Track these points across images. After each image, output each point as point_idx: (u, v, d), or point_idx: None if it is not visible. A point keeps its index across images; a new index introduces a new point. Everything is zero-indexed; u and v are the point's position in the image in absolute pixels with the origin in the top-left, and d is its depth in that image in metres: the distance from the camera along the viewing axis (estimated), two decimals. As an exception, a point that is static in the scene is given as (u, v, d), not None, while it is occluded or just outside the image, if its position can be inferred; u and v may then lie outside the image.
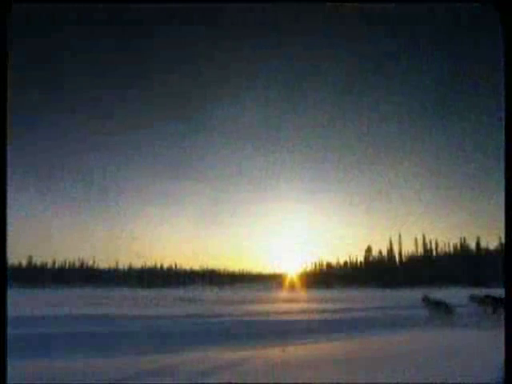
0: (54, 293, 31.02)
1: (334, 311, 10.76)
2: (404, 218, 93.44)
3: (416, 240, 65.44)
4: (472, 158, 73.82)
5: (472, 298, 7.61)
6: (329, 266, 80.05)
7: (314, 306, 14.38)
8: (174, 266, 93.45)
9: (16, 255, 71.78)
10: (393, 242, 67.85)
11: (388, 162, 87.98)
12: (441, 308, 6.94)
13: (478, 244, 59.28)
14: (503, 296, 6.18)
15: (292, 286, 62.11)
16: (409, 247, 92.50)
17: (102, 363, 3.48)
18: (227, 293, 36.95)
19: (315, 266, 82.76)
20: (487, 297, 7.22)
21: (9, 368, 1.90)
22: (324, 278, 73.64)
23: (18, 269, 73.86)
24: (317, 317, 6.78)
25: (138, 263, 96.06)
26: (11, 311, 3.65)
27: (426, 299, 7.30)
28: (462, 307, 7.64)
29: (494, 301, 7.03)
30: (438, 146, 79.02)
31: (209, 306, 13.96)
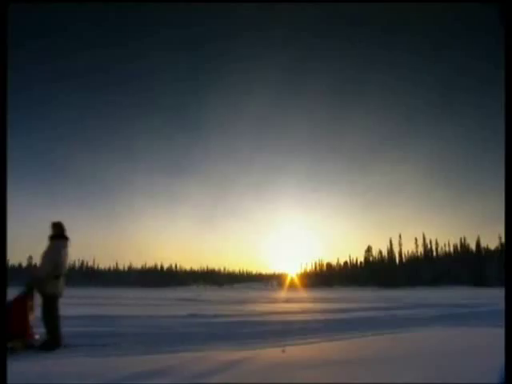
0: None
1: (334, 311, 10.76)
2: (404, 218, 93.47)
3: (416, 240, 65.49)
4: (472, 158, 73.80)
5: None
6: (329, 266, 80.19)
7: (312, 305, 14.39)
8: (174, 266, 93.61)
9: (16, 255, 71.74)
10: (393, 242, 67.97)
11: (388, 162, 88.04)
12: None
13: (478, 244, 59.36)
14: None
15: (292, 286, 62.18)
16: (409, 247, 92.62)
17: (102, 363, 3.48)
18: (227, 293, 36.99)
19: (315, 265, 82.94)
20: None
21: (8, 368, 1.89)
22: (324, 277, 73.68)
23: (18, 269, 73.95)
24: (316, 317, 6.76)
25: (138, 263, 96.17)
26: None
27: None
28: None
29: None
30: (437, 145, 78.99)
31: (209, 305, 13.97)
